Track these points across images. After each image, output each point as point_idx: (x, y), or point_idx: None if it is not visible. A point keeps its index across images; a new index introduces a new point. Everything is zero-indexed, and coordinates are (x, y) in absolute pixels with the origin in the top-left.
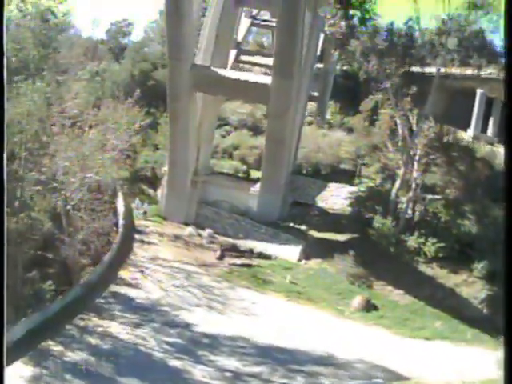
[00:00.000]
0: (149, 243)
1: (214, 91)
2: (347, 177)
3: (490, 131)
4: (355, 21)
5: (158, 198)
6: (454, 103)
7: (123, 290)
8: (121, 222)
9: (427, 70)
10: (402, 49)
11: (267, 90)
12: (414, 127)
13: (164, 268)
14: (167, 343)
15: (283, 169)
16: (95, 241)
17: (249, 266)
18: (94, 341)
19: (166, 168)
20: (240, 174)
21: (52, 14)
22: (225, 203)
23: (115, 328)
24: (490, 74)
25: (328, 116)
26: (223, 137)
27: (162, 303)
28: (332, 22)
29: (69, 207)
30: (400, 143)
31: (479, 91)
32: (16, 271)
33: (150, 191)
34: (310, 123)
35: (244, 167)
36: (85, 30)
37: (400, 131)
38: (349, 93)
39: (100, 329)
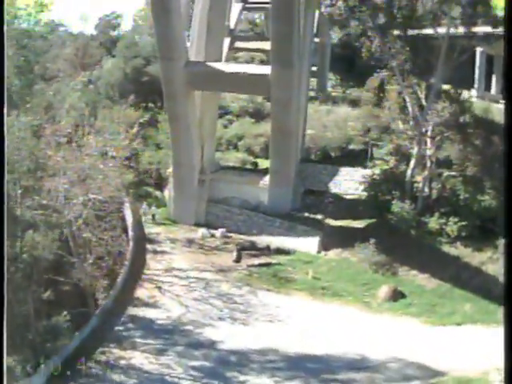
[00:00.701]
0: (162, 253)
1: (211, 87)
2: (358, 159)
3: (493, 89)
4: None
5: (165, 199)
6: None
7: (141, 311)
8: (130, 233)
9: (426, 31)
10: (403, 21)
11: (267, 81)
12: (424, 102)
13: (181, 279)
14: (193, 368)
15: (292, 159)
16: (106, 258)
17: (268, 265)
18: (117, 377)
19: (170, 170)
20: (247, 166)
21: (29, 37)
22: (235, 199)
23: (138, 358)
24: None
25: (329, 88)
26: (225, 127)
27: (184, 321)
28: (329, 2)
29: (74, 228)
30: (411, 122)
31: (479, 49)
32: (28, 304)
33: (157, 193)
34: (311, 98)
35: (250, 158)
36: (74, 27)
37: (410, 109)
38: (347, 62)
39: (123, 361)
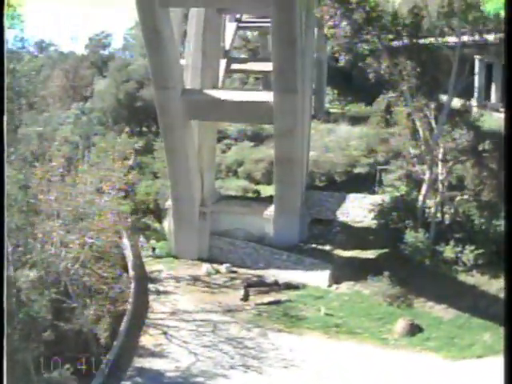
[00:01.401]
0: (165, 293)
1: (210, 117)
2: (365, 183)
3: (493, 97)
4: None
5: (165, 231)
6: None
7: (148, 362)
8: (131, 272)
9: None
10: (410, 40)
11: (270, 108)
12: (434, 123)
13: (187, 323)
14: None
15: (297, 189)
16: (107, 298)
17: (277, 302)
18: None
19: (169, 202)
20: (250, 195)
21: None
22: (239, 231)
23: None
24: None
25: (326, 104)
26: (224, 152)
27: (194, 372)
28: (331, 23)
29: (72, 271)
30: (422, 146)
31: (478, 58)
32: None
33: (156, 225)
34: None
35: (252, 185)
36: (64, 46)
37: (421, 133)
38: (343, 76)
39: None
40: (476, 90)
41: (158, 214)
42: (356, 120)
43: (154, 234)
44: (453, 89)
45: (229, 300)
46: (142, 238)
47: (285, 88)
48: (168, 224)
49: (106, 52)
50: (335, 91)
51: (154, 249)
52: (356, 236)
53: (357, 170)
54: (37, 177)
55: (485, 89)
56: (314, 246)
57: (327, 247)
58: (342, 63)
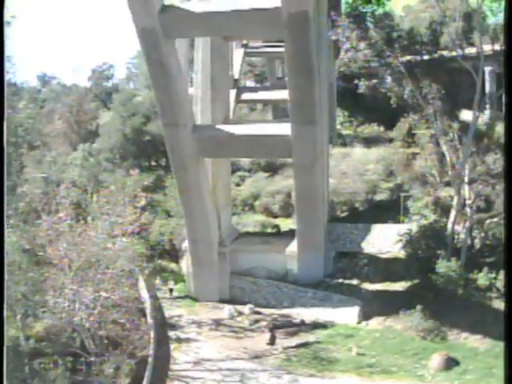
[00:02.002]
0: (187, 340)
1: (224, 154)
2: (389, 212)
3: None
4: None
5: (182, 272)
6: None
7: None
8: (149, 320)
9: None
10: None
11: (288, 142)
12: (457, 144)
13: (213, 373)
14: None
15: (320, 223)
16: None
17: (306, 344)
18: None
19: (186, 244)
20: (269, 230)
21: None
22: (260, 270)
23: None
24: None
25: (337, 126)
26: (238, 185)
27: None
28: (348, 45)
29: (87, 324)
30: (450, 171)
31: (488, 69)
32: None
33: (172, 265)
34: None
35: (270, 219)
36: (67, 78)
37: (448, 159)
38: (352, 96)
39: None
40: (487, 101)
41: (174, 254)
42: (370, 142)
43: (171, 275)
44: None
45: (255, 344)
46: (158, 281)
47: (303, 120)
48: (185, 265)
49: (109, 84)
50: (345, 112)
51: (171, 290)
52: (384, 268)
53: (378, 197)
54: (43, 231)
55: (496, 100)
56: (340, 280)
57: (354, 281)
58: (362, 91)
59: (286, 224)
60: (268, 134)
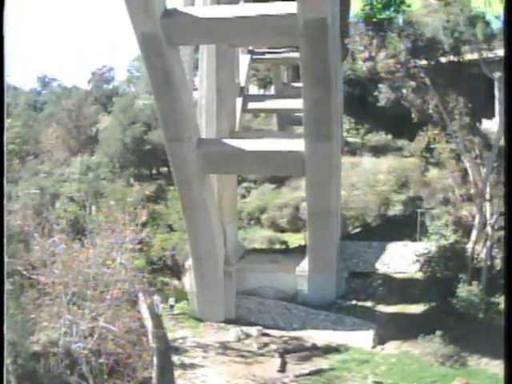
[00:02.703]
0: (192, 366)
1: (231, 169)
2: (403, 228)
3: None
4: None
5: (185, 288)
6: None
7: None
8: (152, 345)
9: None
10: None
11: (300, 158)
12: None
13: None
14: None
15: (333, 243)
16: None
17: (319, 371)
18: None
19: (189, 262)
20: (277, 246)
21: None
22: (268, 290)
23: None
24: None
25: (344, 133)
26: (244, 197)
27: None
28: (367, 55)
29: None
30: (473, 189)
31: (497, 74)
32: None
33: (175, 282)
34: None
35: (278, 235)
36: (67, 80)
37: (471, 176)
38: (358, 102)
39: None
40: (496, 109)
41: (177, 270)
42: (378, 150)
43: (174, 292)
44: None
45: (265, 372)
46: (155, 296)
47: (319, 135)
48: (189, 283)
49: (109, 86)
50: (351, 119)
51: (172, 306)
52: (399, 289)
53: (391, 212)
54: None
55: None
56: (353, 302)
57: (368, 303)
58: (382, 103)
59: (294, 240)
60: (279, 150)
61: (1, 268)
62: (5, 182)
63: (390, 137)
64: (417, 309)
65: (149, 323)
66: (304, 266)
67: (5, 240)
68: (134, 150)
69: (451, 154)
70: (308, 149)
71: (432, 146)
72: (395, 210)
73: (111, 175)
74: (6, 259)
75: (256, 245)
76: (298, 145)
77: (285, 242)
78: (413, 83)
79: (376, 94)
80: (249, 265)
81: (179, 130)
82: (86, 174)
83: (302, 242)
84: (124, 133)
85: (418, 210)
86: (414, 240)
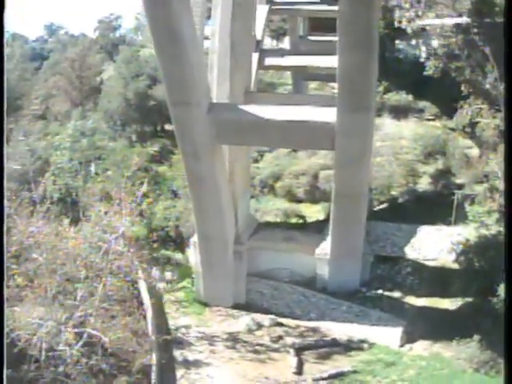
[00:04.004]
0: (197, 364)
1: (247, 141)
2: (435, 208)
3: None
4: None
5: (189, 263)
6: None
7: None
8: (152, 337)
9: None
10: None
11: (331, 131)
12: None
13: None
14: None
15: (361, 228)
16: None
17: (340, 375)
18: None
19: (195, 239)
20: (293, 220)
21: None
22: (283, 272)
23: None
24: None
25: None
26: (256, 161)
27: None
28: (413, 12)
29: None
30: None
31: None
32: None
33: (178, 256)
34: None
35: (294, 206)
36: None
37: None
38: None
39: None
40: None
41: (180, 242)
42: (399, 111)
43: (177, 267)
44: None
45: (279, 372)
46: (154, 270)
47: (355, 105)
48: (194, 261)
49: (116, 34)
50: None
51: (168, 281)
52: (431, 279)
53: (421, 188)
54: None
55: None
56: (379, 292)
57: (396, 293)
58: (430, 72)
59: (311, 212)
60: (305, 119)
61: (1, 268)
62: (5, 181)
63: (410, 97)
64: (450, 304)
65: (149, 309)
66: (325, 247)
67: (5, 239)
68: (137, 106)
69: (494, 130)
70: (340, 120)
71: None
72: (425, 184)
73: (112, 133)
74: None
75: (270, 218)
76: (328, 115)
77: (302, 217)
78: (469, 51)
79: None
80: (261, 243)
81: (187, 94)
82: (78, 141)
83: (321, 216)
84: (126, 87)
85: (456, 192)
86: (449, 224)
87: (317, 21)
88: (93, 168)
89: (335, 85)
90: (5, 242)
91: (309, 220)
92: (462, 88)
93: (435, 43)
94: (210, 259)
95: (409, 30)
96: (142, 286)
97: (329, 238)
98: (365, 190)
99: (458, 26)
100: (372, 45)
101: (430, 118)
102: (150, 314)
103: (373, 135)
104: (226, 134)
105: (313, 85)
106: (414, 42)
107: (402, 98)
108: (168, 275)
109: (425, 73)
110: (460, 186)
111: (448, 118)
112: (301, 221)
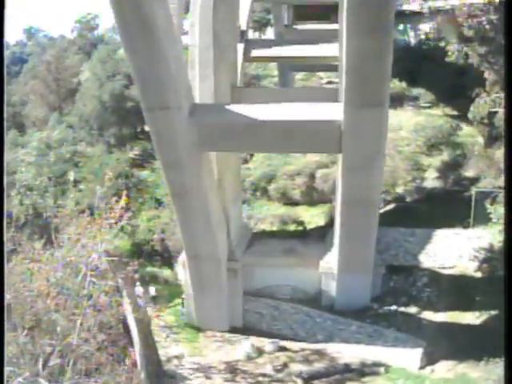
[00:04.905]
0: None
1: (237, 146)
2: (448, 207)
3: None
4: None
5: (178, 281)
6: None
7: None
8: (139, 369)
9: None
10: None
11: (337, 131)
12: None
13: None
14: None
15: (373, 239)
16: None
17: None
18: None
19: (183, 258)
20: (291, 226)
21: None
22: (283, 289)
23: None
24: None
25: None
26: (246, 161)
27: None
28: None
29: None
30: None
31: None
32: None
33: (166, 272)
34: None
35: (292, 211)
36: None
37: None
38: None
39: None
40: None
41: (168, 256)
42: (394, 100)
43: (165, 285)
44: None
45: None
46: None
47: (366, 100)
48: (184, 277)
49: (95, 34)
50: None
51: (152, 297)
52: (450, 290)
53: (429, 185)
54: None
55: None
56: (392, 307)
57: (412, 309)
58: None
59: (310, 216)
60: (307, 119)
61: (1, 266)
62: (5, 181)
63: (404, 84)
64: (473, 318)
65: (135, 336)
66: (330, 260)
67: (5, 239)
68: (113, 108)
69: None
70: (349, 118)
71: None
72: (432, 179)
73: (89, 138)
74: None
75: (265, 226)
76: (332, 111)
77: (301, 223)
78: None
79: None
80: (258, 258)
81: (164, 95)
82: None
83: (321, 221)
84: (101, 88)
85: (475, 189)
86: (467, 226)
87: (302, 9)
88: (71, 177)
89: (323, 74)
90: (5, 242)
91: (308, 226)
92: (486, 75)
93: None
94: (201, 280)
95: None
96: (128, 311)
97: (334, 250)
98: (377, 196)
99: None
100: (388, 27)
101: (426, 105)
102: (136, 341)
103: (387, 134)
104: (213, 140)
105: (298, 75)
106: (401, 26)
107: (396, 85)
108: (155, 294)
109: (447, 59)
110: (472, 181)
111: (445, 105)
112: (300, 228)
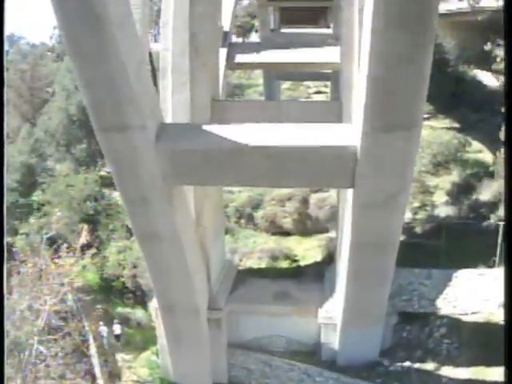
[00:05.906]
0: None
1: (219, 180)
2: (467, 242)
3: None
4: None
5: (152, 323)
6: None
7: None
8: None
9: None
10: None
11: (350, 161)
12: None
13: None
14: None
15: (386, 286)
16: None
17: None
18: None
19: (155, 305)
20: (283, 263)
21: None
22: (275, 340)
23: None
24: None
25: None
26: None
27: None
28: None
29: None
30: None
31: None
32: None
33: (139, 313)
34: None
35: (283, 244)
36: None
37: None
38: None
39: None
40: None
41: (141, 294)
42: None
43: (137, 331)
44: None
45: None
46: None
47: (393, 120)
48: (157, 326)
49: None
50: None
51: (117, 336)
52: (474, 340)
53: (441, 213)
54: None
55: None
56: (405, 364)
57: (429, 365)
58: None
59: (304, 250)
60: (308, 145)
61: (1, 266)
62: (5, 181)
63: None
64: (501, 374)
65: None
66: (330, 308)
67: (4, 238)
68: (81, 122)
69: None
70: (367, 143)
71: None
72: (443, 204)
73: (57, 154)
74: (5, 258)
75: (252, 262)
76: (344, 134)
77: (294, 259)
78: None
79: None
80: (245, 305)
81: (122, 111)
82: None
83: (318, 256)
84: (69, 99)
85: (499, 222)
86: (492, 266)
87: (288, 12)
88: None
89: (310, 84)
90: (5, 242)
91: (303, 262)
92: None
93: None
94: (178, 332)
95: None
96: (95, 362)
97: (336, 295)
98: (397, 239)
99: None
100: (431, 16)
101: (425, 116)
102: None
103: (414, 164)
104: (187, 172)
105: (285, 85)
106: None
107: None
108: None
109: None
110: (490, 207)
111: (445, 116)
112: (293, 264)
